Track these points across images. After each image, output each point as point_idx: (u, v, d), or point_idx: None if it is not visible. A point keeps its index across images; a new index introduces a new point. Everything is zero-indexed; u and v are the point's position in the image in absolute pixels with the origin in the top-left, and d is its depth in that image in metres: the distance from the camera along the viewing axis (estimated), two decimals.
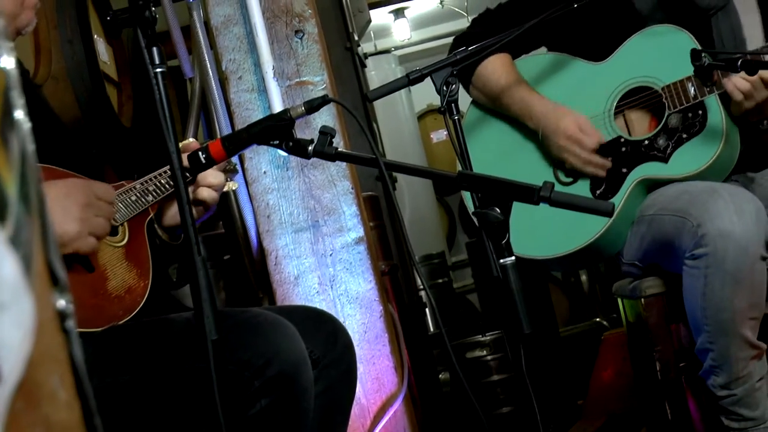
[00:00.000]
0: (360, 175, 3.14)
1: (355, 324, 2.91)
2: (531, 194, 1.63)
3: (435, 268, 6.02)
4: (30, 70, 3.32)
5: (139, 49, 1.49)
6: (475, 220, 1.83)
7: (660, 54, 2.54)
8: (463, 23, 7.24)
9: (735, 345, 2.33)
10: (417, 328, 4.19)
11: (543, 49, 2.81)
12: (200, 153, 1.76)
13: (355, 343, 2.90)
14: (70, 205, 1.70)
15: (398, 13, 7.76)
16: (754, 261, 2.27)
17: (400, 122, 7.33)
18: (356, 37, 4.91)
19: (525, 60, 2.76)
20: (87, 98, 3.52)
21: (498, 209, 1.65)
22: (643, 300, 2.53)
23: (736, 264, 2.26)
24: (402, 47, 8.17)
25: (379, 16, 7.43)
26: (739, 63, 2.15)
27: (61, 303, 0.45)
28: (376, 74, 7.03)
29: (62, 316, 0.45)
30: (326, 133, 1.75)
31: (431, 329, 5.79)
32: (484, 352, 4.90)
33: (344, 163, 2.87)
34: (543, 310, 5.57)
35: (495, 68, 2.71)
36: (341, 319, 2.90)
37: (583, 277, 6.64)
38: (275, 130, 1.75)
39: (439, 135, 8.09)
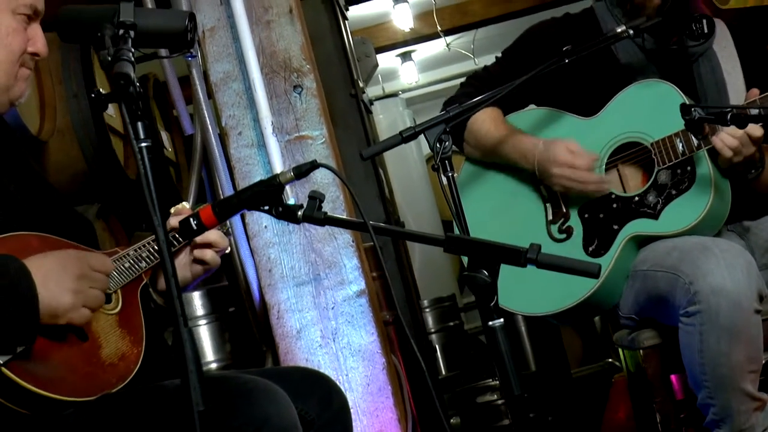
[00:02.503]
0: None
1: (357, 377, 2.92)
2: (518, 257, 1.63)
3: (445, 311, 5.99)
4: (35, 126, 3.35)
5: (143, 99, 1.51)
6: (464, 282, 1.84)
7: (649, 109, 2.55)
8: (470, 65, 7.27)
9: (736, 399, 2.32)
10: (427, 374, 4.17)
11: (531, 106, 2.82)
12: (191, 219, 1.78)
13: (358, 396, 2.91)
14: (65, 277, 1.71)
15: (405, 57, 7.79)
16: (749, 315, 2.27)
17: (409, 165, 7.35)
18: (362, 84, 4.93)
19: (516, 115, 2.77)
20: (93, 152, 3.55)
21: (486, 272, 1.66)
22: (641, 351, 2.53)
23: (731, 319, 2.26)
24: (409, 90, 8.22)
25: (387, 60, 7.48)
26: (729, 116, 2.15)
27: None
28: (384, 118, 7.05)
29: None
30: (315, 198, 1.77)
31: (443, 373, 5.77)
32: (495, 397, 4.88)
33: None
34: (554, 351, 5.54)
35: (484, 121, 2.71)
36: (344, 373, 2.91)
37: (596, 317, 6.60)
38: (265, 196, 1.78)
39: None
